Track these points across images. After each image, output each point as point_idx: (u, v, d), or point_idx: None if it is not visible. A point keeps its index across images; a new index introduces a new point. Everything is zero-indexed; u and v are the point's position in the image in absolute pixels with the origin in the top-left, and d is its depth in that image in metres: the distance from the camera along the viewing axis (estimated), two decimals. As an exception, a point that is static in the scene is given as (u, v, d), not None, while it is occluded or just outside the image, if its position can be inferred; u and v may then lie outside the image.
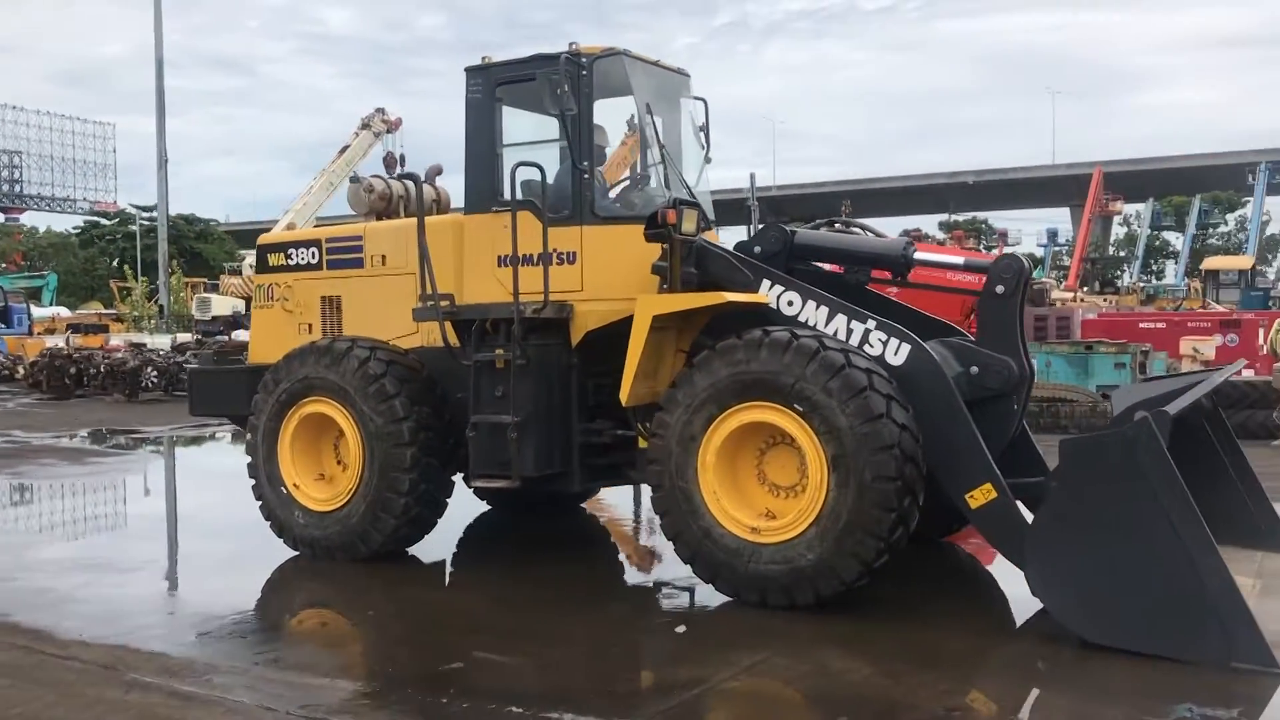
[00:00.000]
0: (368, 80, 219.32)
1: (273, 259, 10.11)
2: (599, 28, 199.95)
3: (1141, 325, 20.04)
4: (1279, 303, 31.27)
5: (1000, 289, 7.74)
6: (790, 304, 7.87)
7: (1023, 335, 7.82)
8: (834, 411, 6.98)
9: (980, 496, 7.19)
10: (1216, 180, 70.36)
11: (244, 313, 42.03)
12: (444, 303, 8.62)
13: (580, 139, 8.35)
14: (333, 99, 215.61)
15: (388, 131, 46.73)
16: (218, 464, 16.37)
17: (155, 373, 23.76)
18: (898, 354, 7.47)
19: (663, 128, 8.98)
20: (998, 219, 79.64)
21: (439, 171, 10.63)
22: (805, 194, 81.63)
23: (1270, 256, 69.80)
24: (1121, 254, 66.93)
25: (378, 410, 8.53)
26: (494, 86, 8.72)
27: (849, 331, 7.62)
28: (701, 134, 9.54)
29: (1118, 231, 77.38)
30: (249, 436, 9.26)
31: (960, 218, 73.72)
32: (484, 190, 8.77)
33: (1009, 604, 7.59)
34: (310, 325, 9.85)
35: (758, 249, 8.32)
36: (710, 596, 7.54)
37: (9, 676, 6.07)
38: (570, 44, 8.45)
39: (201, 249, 80.00)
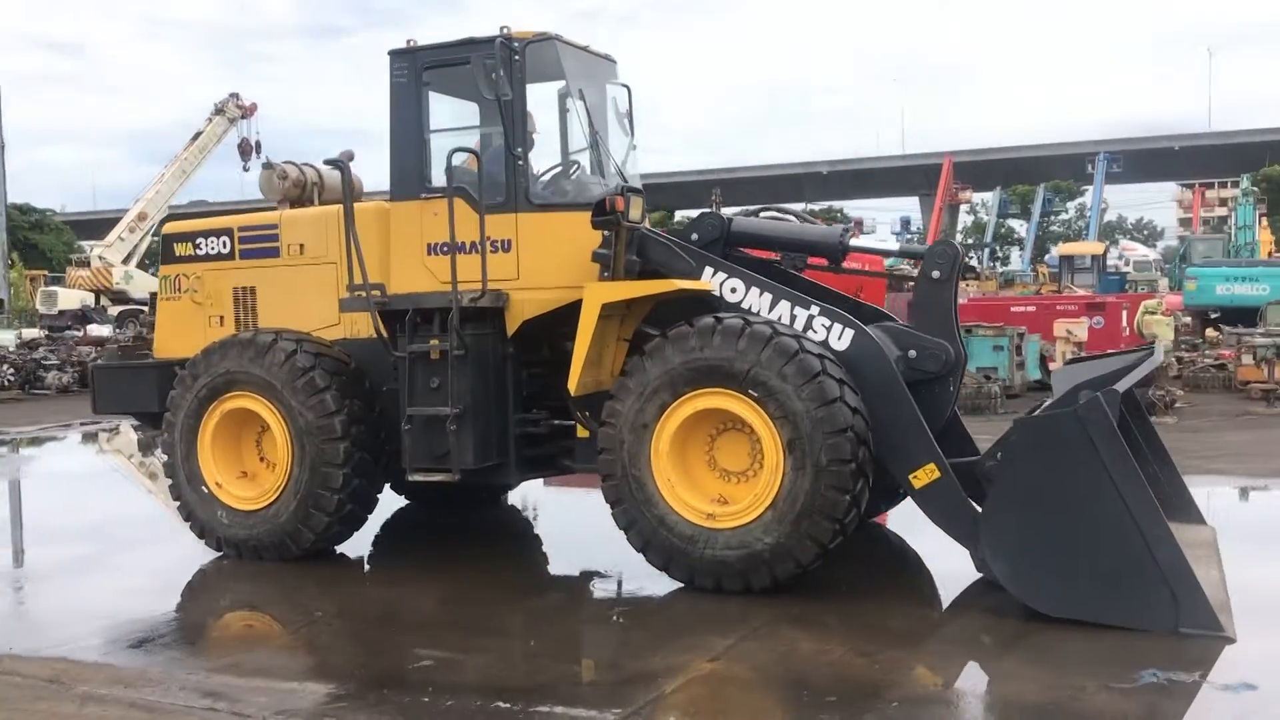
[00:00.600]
0: (212, 65, 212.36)
1: (179, 249, 9.70)
2: (451, 13, 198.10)
3: (1013, 309, 20.74)
4: (1134, 286, 32.80)
5: (936, 274, 7.91)
6: (734, 291, 7.90)
7: (956, 319, 8.01)
8: (789, 396, 7.04)
9: (924, 476, 7.36)
10: (1058, 169, 73.40)
11: (93, 306, 40.27)
12: (375, 292, 8.41)
13: (514, 125, 8.23)
14: (176, 84, 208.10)
15: (242, 117, 45.61)
16: (98, 462, 15.65)
17: (12, 370, 22.55)
18: (841, 339, 7.58)
19: (591, 113, 8.90)
20: (852, 208, 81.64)
21: (351, 157, 10.32)
22: (664, 183, 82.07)
23: (1108, 243, 73.00)
24: (970, 241, 69.21)
25: (308, 405, 8.27)
26: (420, 70, 8.53)
27: (793, 317, 7.69)
28: (626, 120, 9.49)
29: (965, 220, 79.96)
30: (165, 435, 8.87)
31: (816, 207, 75.21)
32: (411, 177, 8.57)
33: (943, 581, 7.77)
34: (222, 318, 9.49)
35: (694, 236, 8.32)
36: (650, 583, 7.56)
37: (-56, 695, 5.70)
38: (502, 28, 8.32)
39: (37, 240, 76.35)
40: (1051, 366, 18.72)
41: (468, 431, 8.13)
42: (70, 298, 40.90)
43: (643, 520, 7.42)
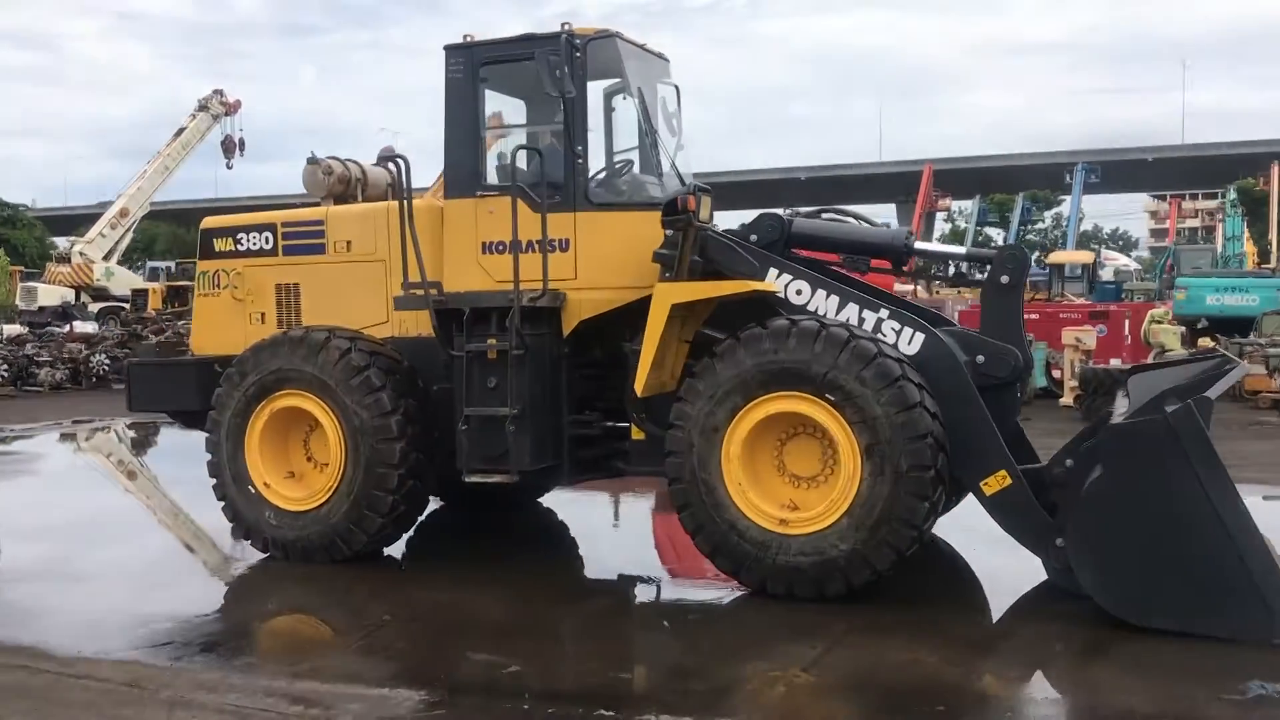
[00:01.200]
0: (185, 61, 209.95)
1: (219, 244, 9.52)
2: (429, 13, 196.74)
3: (1017, 316, 20.71)
4: (1130, 295, 33.00)
5: (1005, 279, 7.84)
6: (799, 293, 7.81)
7: (1022, 325, 7.95)
8: (868, 401, 6.95)
9: (995, 483, 7.30)
10: (1035, 179, 73.75)
11: (74, 302, 39.72)
12: (432, 291, 8.26)
13: (576, 123, 8.12)
14: (148, 80, 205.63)
15: (226, 114, 45.11)
16: (104, 462, 15.37)
17: (5, 367, 22.16)
18: (911, 343, 7.51)
19: (647, 111, 8.77)
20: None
21: (392, 153, 10.18)
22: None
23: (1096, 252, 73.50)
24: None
25: (363, 404, 8.11)
26: (478, 66, 8.39)
27: (860, 320, 7.62)
28: (675, 120, 9.38)
29: (942, 227, 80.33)
30: (210, 433, 8.67)
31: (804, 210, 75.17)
32: (466, 175, 8.44)
33: (994, 587, 7.74)
34: (263, 314, 9.32)
35: (754, 237, 8.21)
36: (702, 589, 7.58)
37: (25, 698, 5.53)
38: (563, 24, 8.20)
39: (10, 235, 75.23)
40: (1056, 374, 18.77)
41: (526, 432, 8.01)
42: (50, 294, 40.28)
43: (712, 525, 7.32)
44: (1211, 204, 75.26)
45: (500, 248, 8.31)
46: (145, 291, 38.53)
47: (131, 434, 16.93)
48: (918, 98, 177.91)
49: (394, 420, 8.10)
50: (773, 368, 7.17)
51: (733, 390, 7.26)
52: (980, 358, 7.70)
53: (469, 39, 8.50)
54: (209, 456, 8.70)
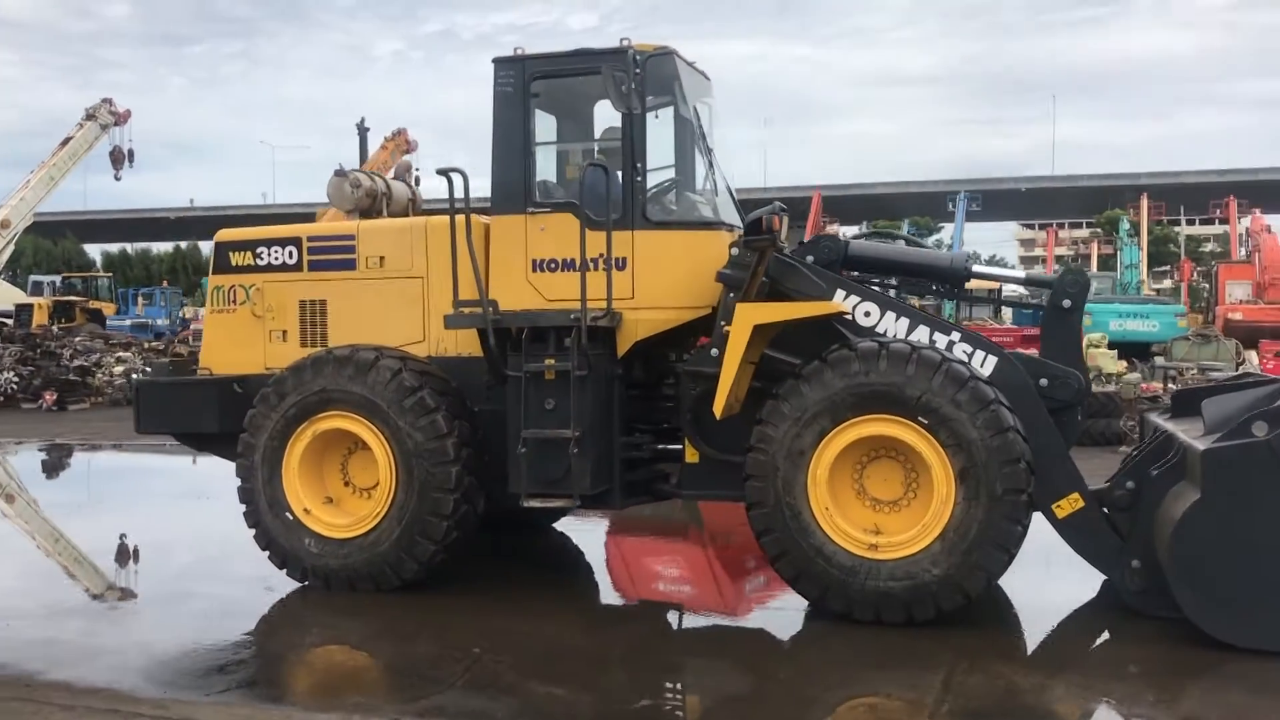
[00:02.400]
0: (52, 69, 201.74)
1: (236, 258, 9.07)
2: (299, 25, 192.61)
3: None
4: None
5: (1067, 303, 7.93)
6: (868, 314, 7.79)
7: (1082, 348, 8.05)
8: (964, 424, 6.93)
9: (1068, 506, 7.37)
10: (918, 206, 75.72)
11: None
12: (482, 309, 7.99)
13: (637, 140, 7.96)
14: (12, 89, 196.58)
15: (115, 124, 43.49)
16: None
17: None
18: (984, 365, 7.54)
19: (697, 130, 8.66)
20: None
21: (408, 168, 9.92)
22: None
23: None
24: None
25: (417, 426, 7.79)
26: (529, 81, 8.17)
27: (932, 343, 7.61)
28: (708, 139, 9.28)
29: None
30: (243, 457, 8.21)
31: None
32: (515, 190, 8.19)
33: (1036, 608, 7.81)
34: (285, 332, 8.91)
35: (809, 259, 8.16)
36: (760, 615, 7.58)
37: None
38: (622, 39, 8.05)
39: None
40: None
41: (588, 455, 7.79)
42: (-78, 308, 38.25)
43: (797, 550, 7.20)
44: (1083, 233, 78.22)
45: (553, 265, 8.10)
46: (30, 306, 36.78)
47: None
48: (797, 126, 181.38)
49: (450, 443, 7.79)
50: (863, 390, 7.10)
51: (821, 413, 7.17)
52: (1044, 381, 7.77)
53: (519, 52, 8.27)
54: (240, 481, 8.25)
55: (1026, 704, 5.78)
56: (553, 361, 7.85)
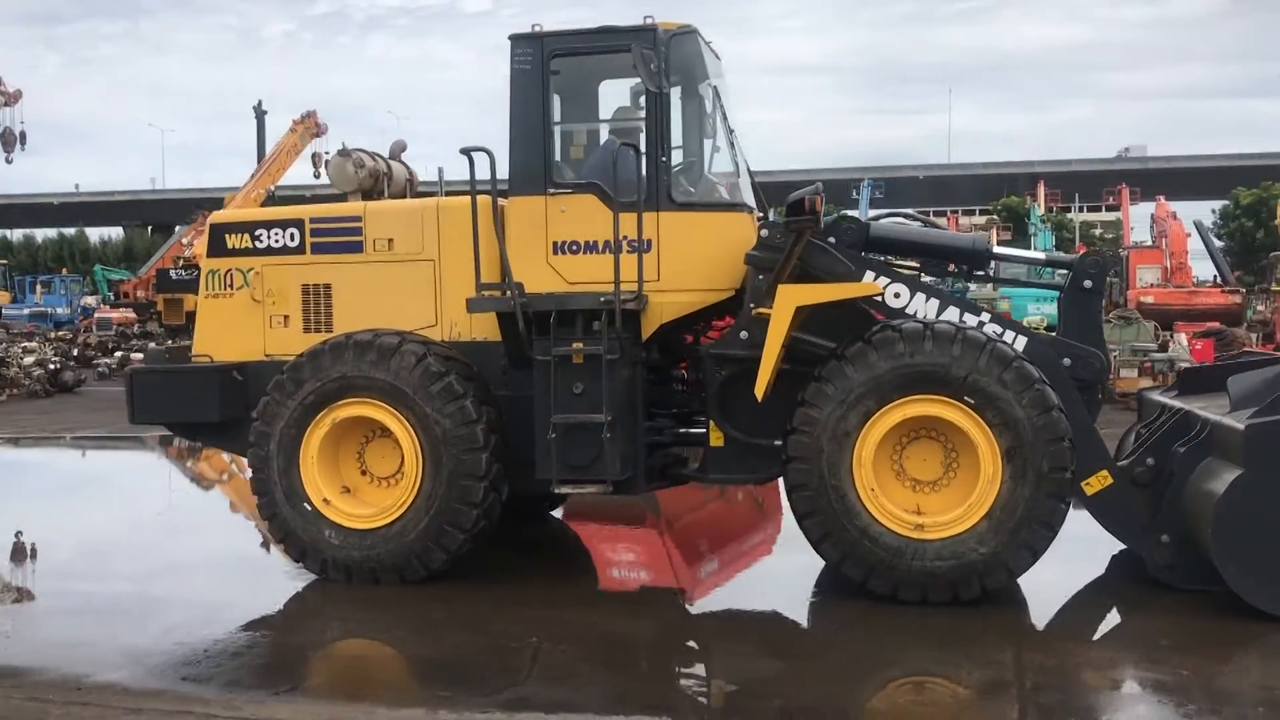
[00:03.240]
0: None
1: (232, 240, 8.73)
2: (184, 5, 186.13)
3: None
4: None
5: (1088, 283, 8.02)
6: (897, 295, 7.79)
7: (1101, 327, 8.16)
8: (1010, 403, 6.98)
9: (1096, 483, 7.48)
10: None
11: None
12: (504, 291, 7.82)
13: (663, 120, 7.84)
14: None
15: (5, 104, 41.76)
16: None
17: None
18: (1014, 345, 7.59)
19: (713, 110, 8.57)
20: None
21: (403, 148, 9.62)
22: (430, 191, 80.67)
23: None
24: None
25: (445, 412, 7.58)
26: (548, 58, 7.98)
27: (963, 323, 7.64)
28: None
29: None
30: (256, 446, 7.90)
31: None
32: (534, 170, 8.01)
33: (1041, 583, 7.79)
34: (286, 317, 8.62)
35: (831, 240, 8.13)
36: (772, 595, 7.59)
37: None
38: (646, 17, 7.92)
39: None
40: None
41: (618, 440, 7.67)
42: None
43: (841, 531, 7.18)
44: (980, 219, 79.92)
45: (574, 248, 7.96)
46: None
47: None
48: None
49: (479, 429, 7.60)
50: (910, 371, 7.10)
51: (866, 394, 7.15)
52: (1066, 360, 7.86)
53: (537, 29, 8.08)
54: (253, 472, 7.94)
55: (1113, 678, 5.83)
56: (581, 345, 7.70)
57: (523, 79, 8.02)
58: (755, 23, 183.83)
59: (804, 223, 7.39)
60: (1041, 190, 60.31)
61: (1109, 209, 73.71)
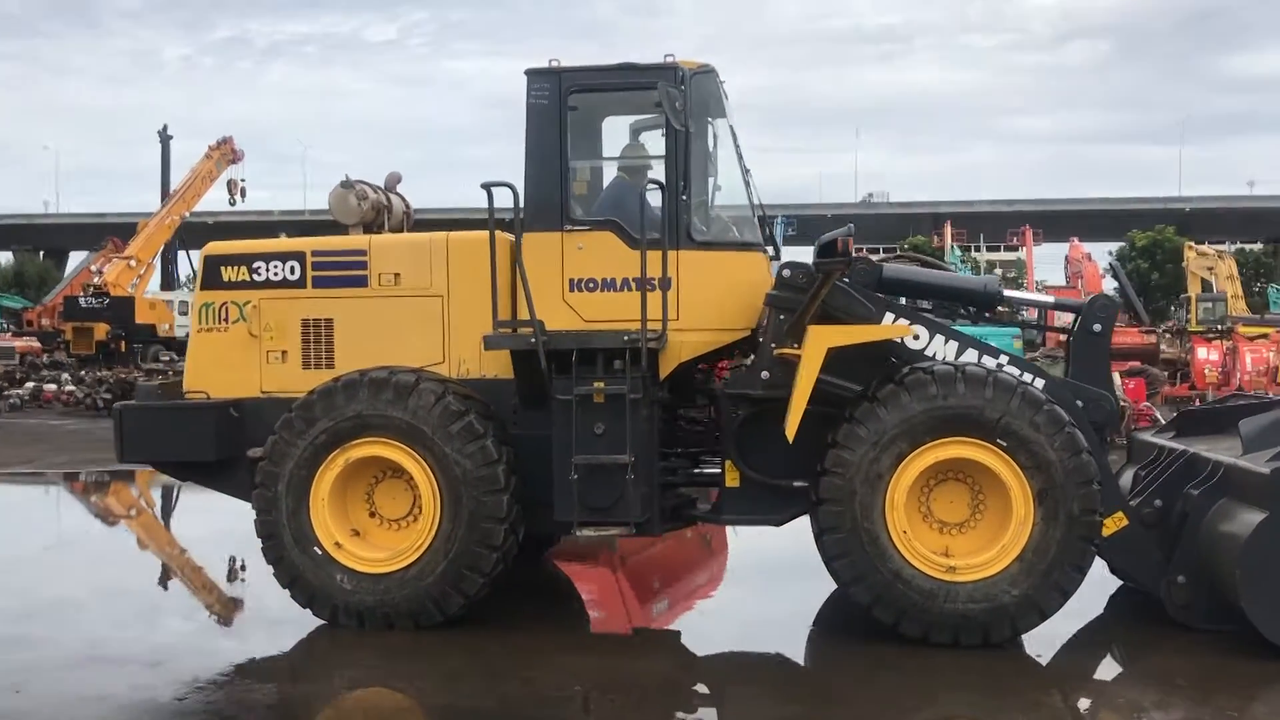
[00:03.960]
0: None
1: (228, 273, 8.42)
2: (85, 29, 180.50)
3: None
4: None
5: (1097, 327, 8.14)
6: (916, 338, 7.81)
7: (1109, 370, 8.28)
8: (1042, 446, 7.03)
9: (1112, 525, 7.55)
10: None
11: None
12: (526, 329, 7.67)
13: (686, 158, 7.79)
14: None
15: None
16: None
17: None
18: (1032, 388, 7.65)
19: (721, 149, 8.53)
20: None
21: (399, 180, 9.42)
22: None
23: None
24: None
25: (466, 453, 7.38)
26: (565, 94, 7.88)
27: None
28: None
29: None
30: (264, 488, 7.60)
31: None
32: (549, 206, 7.88)
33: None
34: (284, 353, 8.32)
35: (846, 280, 8.13)
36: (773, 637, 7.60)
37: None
38: (666, 56, 7.88)
39: None
40: None
41: (641, 481, 7.55)
42: None
43: (874, 574, 7.14)
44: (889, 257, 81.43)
45: (591, 285, 7.85)
46: None
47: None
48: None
49: (500, 470, 7.42)
50: (943, 413, 7.11)
51: (899, 436, 7.14)
52: (1079, 402, 7.94)
53: (554, 64, 7.98)
54: (258, 514, 7.64)
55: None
56: (603, 384, 7.58)
57: (539, 114, 7.91)
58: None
59: (836, 264, 7.38)
60: (948, 230, 61.69)
61: (1008, 249, 75.81)
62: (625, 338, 7.56)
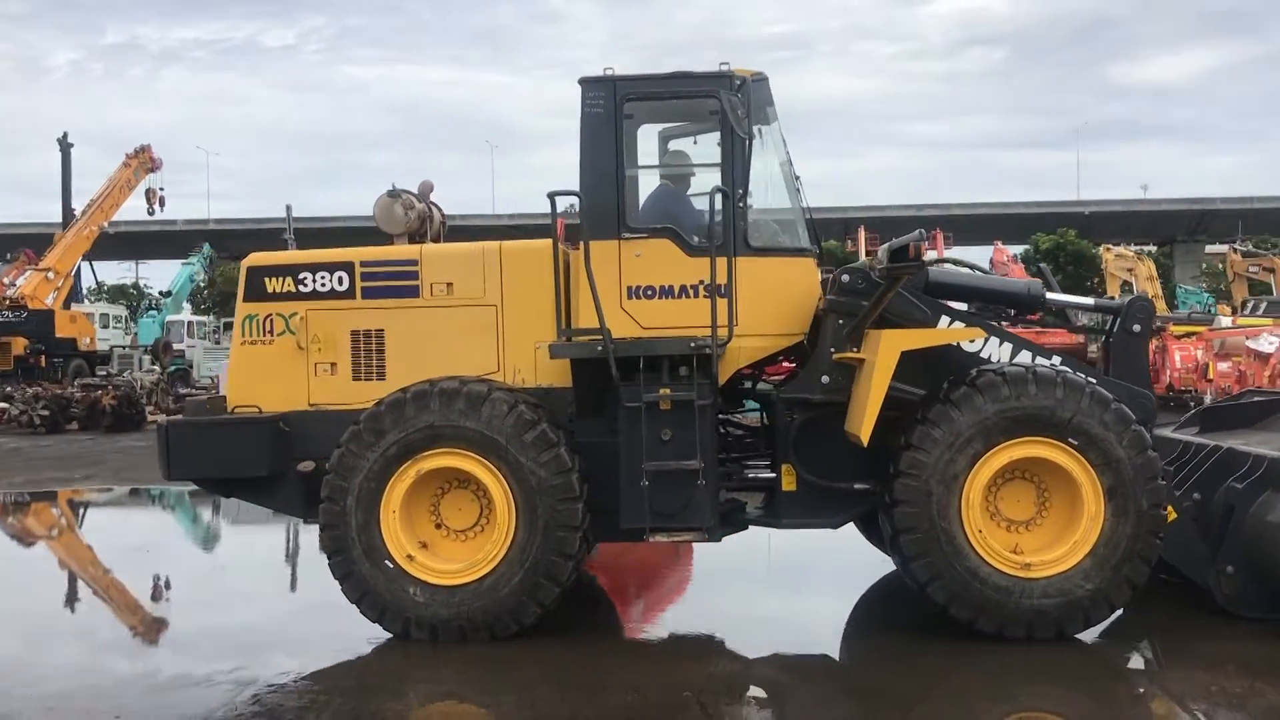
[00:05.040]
0: None
1: (272, 284, 8.27)
2: (12, 23, 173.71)
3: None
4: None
5: (1136, 327, 8.40)
6: (972, 340, 7.97)
7: (1148, 369, 8.54)
8: (1112, 444, 7.23)
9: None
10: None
11: None
12: (587, 337, 7.70)
13: (744, 165, 7.86)
14: None
15: None
16: None
17: None
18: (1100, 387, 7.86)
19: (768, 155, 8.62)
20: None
21: (431, 189, 9.32)
22: (246, 230, 78.43)
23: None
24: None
25: (540, 461, 7.35)
26: (621, 102, 7.91)
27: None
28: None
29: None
30: (331, 502, 7.46)
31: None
32: (608, 214, 7.90)
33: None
34: (333, 365, 8.21)
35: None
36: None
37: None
38: (721, 64, 7.95)
39: None
40: None
41: (710, 487, 7.60)
42: None
43: (951, 573, 7.27)
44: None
45: (649, 292, 7.89)
46: None
47: None
48: (513, 153, 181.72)
49: (574, 478, 7.41)
50: (1016, 413, 7.28)
51: (974, 437, 7.28)
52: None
53: (609, 72, 7.99)
54: (325, 529, 7.50)
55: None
56: (668, 391, 7.61)
57: (594, 122, 7.93)
58: (568, 65, 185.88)
59: (908, 268, 7.50)
60: (862, 234, 62.63)
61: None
62: (692, 344, 7.60)
